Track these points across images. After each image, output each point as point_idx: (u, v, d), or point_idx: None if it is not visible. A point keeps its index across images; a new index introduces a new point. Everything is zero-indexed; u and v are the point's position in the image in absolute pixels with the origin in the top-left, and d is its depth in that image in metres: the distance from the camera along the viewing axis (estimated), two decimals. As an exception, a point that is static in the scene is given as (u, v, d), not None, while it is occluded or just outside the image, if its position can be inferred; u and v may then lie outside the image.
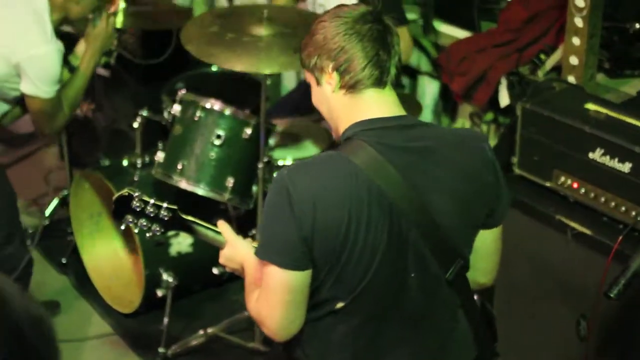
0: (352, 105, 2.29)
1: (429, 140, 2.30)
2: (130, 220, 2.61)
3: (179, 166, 3.91)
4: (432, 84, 4.98)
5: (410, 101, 4.45)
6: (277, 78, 5.85)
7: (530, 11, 4.78)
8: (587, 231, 3.39)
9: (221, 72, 4.74)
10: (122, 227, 2.59)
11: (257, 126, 3.92)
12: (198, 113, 3.94)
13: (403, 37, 4.37)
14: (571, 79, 4.01)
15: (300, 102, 4.65)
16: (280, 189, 2.20)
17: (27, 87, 3.64)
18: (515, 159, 3.74)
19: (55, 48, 3.65)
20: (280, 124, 4.28)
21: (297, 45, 3.60)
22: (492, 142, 4.55)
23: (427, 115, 4.94)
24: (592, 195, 3.42)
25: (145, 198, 2.61)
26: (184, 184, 3.93)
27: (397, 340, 2.36)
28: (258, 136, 3.89)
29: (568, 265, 3.44)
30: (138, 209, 2.60)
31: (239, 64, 3.70)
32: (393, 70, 2.30)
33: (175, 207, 2.61)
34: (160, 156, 4.01)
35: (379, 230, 2.20)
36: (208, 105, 3.95)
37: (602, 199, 3.39)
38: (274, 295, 2.24)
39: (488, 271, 2.57)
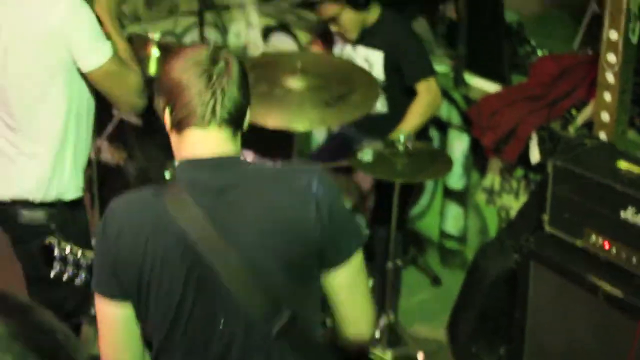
0: (179, 143, 2.30)
1: (238, 178, 2.27)
2: (59, 268, 2.64)
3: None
4: (462, 138, 4.97)
5: (440, 155, 4.44)
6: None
7: (561, 66, 4.79)
8: (618, 292, 3.35)
9: (251, 123, 4.75)
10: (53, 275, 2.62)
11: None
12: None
13: (430, 88, 4.41)
14: (602, 135, 4.00)
15: (333, 155, 4.65)
16: (104, 215, 2.29)
17: (85, 62, 3.34)
18: (546, 217, 3.71)
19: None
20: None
21: (329, 99, 3.65)
22: (523, 198, 4.54)
23: (457, 169, 4.93)
24: (624, 255, 3.39)
25: (64, 244, 2.64)
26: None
27: None
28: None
29: (599, 326, 3.41)
30: (62, 256, 2.64)
31: (271, 119, 3.70)
32: (221, 111, 2.24)
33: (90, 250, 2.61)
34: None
35: (176, 271, 2.21)
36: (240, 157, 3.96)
37: (634, 260, 3.35)
38: (102, 328, 2.29)
39: (355, 321, 2.40)
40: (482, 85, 4.98)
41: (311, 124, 3.82)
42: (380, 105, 4.42)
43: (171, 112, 2.28)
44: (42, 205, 3.48)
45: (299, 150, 4.12)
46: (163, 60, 4.09)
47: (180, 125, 2.27)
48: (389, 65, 4.46)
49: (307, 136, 5.91)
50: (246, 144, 3.99)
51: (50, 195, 3.48)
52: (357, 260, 2.37)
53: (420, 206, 5.37)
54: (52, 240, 2.66)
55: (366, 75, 4.07)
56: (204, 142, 2.26)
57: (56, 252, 2.63)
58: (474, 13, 4.91)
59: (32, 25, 3.30)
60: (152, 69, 4.19)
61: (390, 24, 4.51)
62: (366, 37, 4.51)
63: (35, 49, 3.32)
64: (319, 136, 5.83)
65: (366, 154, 4.09)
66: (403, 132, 4.18)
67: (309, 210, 2.23)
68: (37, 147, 3.46)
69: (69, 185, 3.52)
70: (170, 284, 2.21)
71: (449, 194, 5.11)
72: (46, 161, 3.46)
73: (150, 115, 5.16)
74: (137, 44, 4.42)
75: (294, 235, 2.24)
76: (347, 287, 2.35)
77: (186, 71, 2.24)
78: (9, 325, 1.36)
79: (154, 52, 4.20)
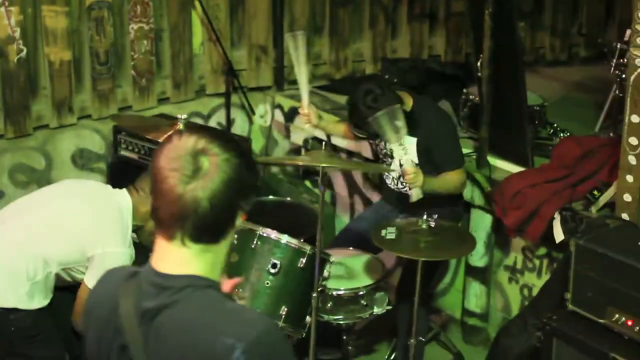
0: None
1: (174, 311, 1.99)
2: None
3: (235, 293, 3.95)
4: (485, 218, 5.01)
5: (463, 234, 4.48)
6: (331, 209, 5.93)
7: (583, 148, 4.84)
8: (642, 370, 3.36)
9: (277, 201, 4.82)
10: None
11: (312, 256, 3.97)
12: (255, 241, 4.01)
13: (458, 176, 4.49)
14: (625, 215, 4.03)
15: (361, 234, 4.69)
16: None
17: (89, 279, 3.68)
18: (569, 295, 3.74)
19: (129, 253, 3.75)
20: (335, 254, 4.33)
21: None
22: (545, 277, 4.57)
23: (479, 249, 4.96)
24: (647, 333, 3.41)
25: None
26: (238, 311, 3.95)
27: None
28: (313, 265, 3.94)
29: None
30: None
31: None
32: (188, 227, 1.98)
33: None
34: (215, 283, 4.06)
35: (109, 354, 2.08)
36: (264, 234, 4.02)
37: (657, 338, 3.37)
38: None
39: None
40: (505, 166, 5.03)
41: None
42: (410, 163, 4.46)
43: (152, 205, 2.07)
44: None
45: (323, 227, 4.15)
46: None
47: (155, 225, 2.07)
48: (422, 150, 4.54)
49: (331, 217, 5.96)
50: (269, 223, 4.10)
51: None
52: None
53: (443, 283, 5.39)
54: None
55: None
56: (167, 256, 2.04)
57: None
58: (496, 96, 4.98)
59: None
60: None
61: (424, 112, 4.59)
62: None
63: (73, 235, 3.71)
64: (343, 217, 5.89)
65: (390, 232, 4.13)
66: (418, 172, 4.28)
67: None
68: None
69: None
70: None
71: (471, 271, 5.13)
72: None
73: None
74: (166, 124, 4.52)
75: None
76: None
77: (165, 174, 1.99)
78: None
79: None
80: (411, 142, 4.57)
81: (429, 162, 4.52)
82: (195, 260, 2.03)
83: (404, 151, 4.57)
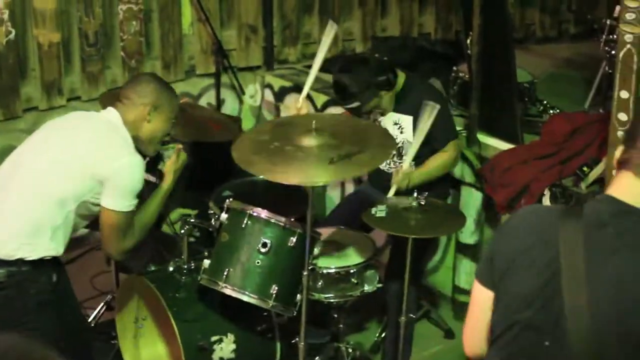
0: (614, 178, 2.42)
1: (628, 228, 2.30)
2: None
3: (225, 273, 3.96)
4: (475, 195, 5.02)
5: (453, 211, 4.49)
6: (321, 188, 5.93)
7: (573, 125, 4.85)
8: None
9: (268, 181, 4.81)
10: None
11: (302, 234, 3.97)
12: (245, 221, 4.01)
13: (451, 149, 4.51)
14: (614, 192, 4.04)
15: (351, 213, 4.69)
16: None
17: (107, 201, 3.69)
18: (558, 271, 3.74)
19: (138, 159, 3.76)
20: (324, 233, 4.33)
21: (333, 157, 3.70)
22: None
23: (470, 226, 4.97)
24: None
25: None
26: (229, 291, 3.96)
27: None
28: (303, 244, 3.94)
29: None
30: None
31: (274, 174, 3.74)
32: None
33: None
34: (206, 263, 4.07)
35: (533, 281, 2.34)
36: (255, 214, 4.02)
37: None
38: (472, 307, 2.60)
39: None
40: (495, 143, 5.04)
41: (307, 179, 3.81)
42: (407, 165, 4.49)
43: (622, 150, 2.37)
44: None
45: (314, 206, 4.15)
46: (178, 122, 4.19)
47: (620, 165, 2.37)
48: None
49: (322, 195, 5.97)
50: (260, 202, 4.11)
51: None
52: None
53: (433, 261, 5.40)
54: None
55: (383, 135, 4.13)
56: (629, 189, 2.32)
57: None
58: (486, 73, 4.98)
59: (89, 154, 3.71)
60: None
61: (417, 89, 4.60)
62: (394, 104, 4.62)
63: (79, 165, 3.69)
64: (334, 196, 5.90)
65: (380, 210, 4.14)
66: (408, 177, 4.38)
67: None
68: None
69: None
70: (523, 288, 2.32)
71: (462, 249, 5.15)
72: None
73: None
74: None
75: (637, 309, 2.20)
76: None
77: None
78: None
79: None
80: (407, 121, 4.57)
81: (425, 140, 4.53)
82: None
83: (400, 130, 4.59)
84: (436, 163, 4.57)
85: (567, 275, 2.25)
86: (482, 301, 2.48)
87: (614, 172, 3.97)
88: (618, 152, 2.39)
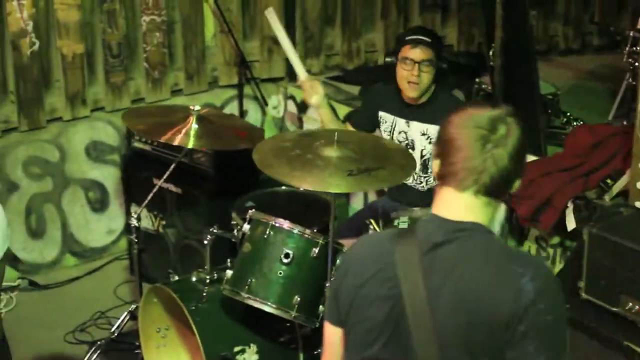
0: (436, 195, 2.35)
1: (462, 246, 2.26)
2: None
3: (247, 283, 3.97)
4: (499, 208, 4.99)
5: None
6: (344, 198, 5.93)
7: (596, 137, 4.83)
8: (655, 358, 3.36)
9: (290, 192, 4.83)
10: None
11: (325, 245, 3.97)
12: (267, 231, 4.01)
13: None
14: (638, 204, 4.02)
15: (363, 228, 4.69)
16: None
17: None
18: (582, 284, 3.74)
19: None
20: (347, 244, 4.33)
21: (354, 170, 3.71)
22: (559, 265, 4.56)
23: (493, 238, 4.95)
24: (661, 321, 3.40)
25: None
26: (251, 301, 3.97)
27: None
28: (326, 255, 3.94)
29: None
30: None
31: (291, 178, 3.78)
32: (484, 180, 2.23)
33: None
34: (229, 273, 4.07)
35: (378, 313, 2.33)
36: (277, 224, 4.02)
37: (671, 326, 3.36)
38: (325, 347, 2.51)
39: None
40: (518, 155, 5.02)
41: (325, 186, 3.84)
42: (434, 179, 4.50)
43: (439, 165, 2.31)
44: None
45: (336, 217, 4.15)
46: (202, 132, 4.21)
47: (441, 180, 2.30)
48: None
49: (344, 207, 5.97)
50: (282, 213, 4.12)
51: None
52: None
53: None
54: None
55: (404, 155, 4.14)
56: (453, 204, 2.27)
57: None
58: (508, 85, 4.97)
59: None
60: (191, 141, 4.30)
61: (446, 100, 4.59)
62: (421, 114, 4.60)
63: None
64: (357, 208, 5.89)
65: (402, 222, 4.13)
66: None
67: (505, 302, 2.14)
68: None
69: None
70: (368, 322, 2.30)
71: (485, 262, 5.11)
72: None
73: (190, 184, 5.28)
74: (178, 115, 4.53)
75: (481, 320, 2.15)
76: None
77: (463, 131, 2.24)
78: None
79: (194, 125, 4.33)
80: (435, 131, 4.56)
81: None
82: (479, 212, 2.25)
83: (428, 140, 4.58)
84: None
85: (409, 303, 2.22)
86: (333, 341, 2.46)
87: (638, 184, 3.98)
88: (435, 166, 2.33)
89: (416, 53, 4.50)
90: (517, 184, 2.30)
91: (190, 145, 4.33)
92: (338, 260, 3.70)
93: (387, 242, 2.33)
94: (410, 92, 4.56)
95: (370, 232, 4.13)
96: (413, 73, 4.50)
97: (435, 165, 2.33)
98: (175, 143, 4.35)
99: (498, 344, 2.15)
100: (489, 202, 2.26)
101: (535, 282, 2.14)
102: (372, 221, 4.12)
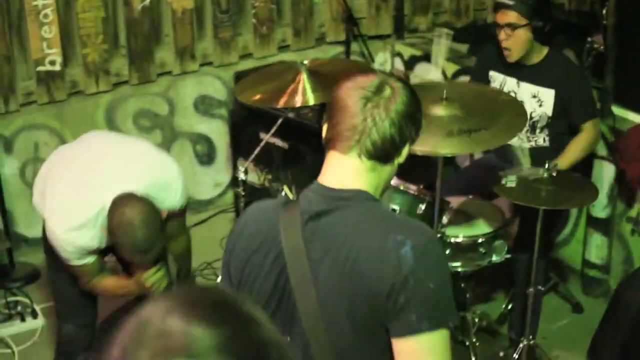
0: (324, 162, 2.32)
1: (342, 214, 2.25)
2: None
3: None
4: (608, 169, 4.91)
5: (585, 183, 4.39)
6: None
7: None
8: None
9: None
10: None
11: (431, 203, 3.96)
12: (374, 187, 4.02)
13: (592, 128, 4.44)
14: None
15: (474, 181, 4.68)
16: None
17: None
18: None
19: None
20: (454, 202, 4.31)
21: (468, 128, 3.68)
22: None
23: (602, 200, 4.87)
24: None
25: None
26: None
27: None
28: (432, 212, 3.94)
29: None
30: None
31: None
32: (366, 142, 2.22)
33: None
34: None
35: (265, 283, 2.32)
36: (384, 180, 4.02)
37: None
38: None
39: None
40: (630, 117, 4.92)
41: (454, 149, 3.81)
42: (542, 140, 4.45)
43: (326, 128, 2.29)
44: None
45: (442, 173, 4.13)
46: (315, 86, 4.15)
47: (327, 144, 2.28)
48: (558, 103, 4.47)
49: (449, 161, 5.93)
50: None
51: None
52: (426, 343, 2.14)
53: (564, 234, 5.31)
54: None
55: (516, 112, 4.07)
56: (337, 170, 2.26)
57: None
58: (622, 44, 4.86)
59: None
60: (310, 98, 4.16)
61: (559, 63, 4.52)
62: (533, 75, 4.52)
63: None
64: (462, 162, 5.85)
65: (510, 181, 4.09)
66: (559, 167, 4.19)
67: (385, 272, 2.11)
68: None
69: None
70: (257, 293, 2.27)
71: (593, 222, 5.05)
72: None
73: (296, 139, 5.31)
74: (286, 70, 4.53)
75: (362, 290, 2.14)
76: None
77: (348, 92, 2.23)
78: (221, 335, 1.25)
79: (306, 81, 4.23)
80: (548, 95, 4.49)
81: (563, 115, 4.47)
82: (363, 176, 2.24)
83: (539, 103, 4.51)
84: (578, 147, 4.49)
85: (293, 274, 2.19)
86: None
87: None
88: (323, 131, 2.29)
89: (500, 17, 4.45)
90: (405, 150, 2.27)
91: (311, 103, 4.14)
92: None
93: (272, 212, 2.29)
94: (507, 58, 4.51)
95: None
96: (501, 37, 4.45)
97: (323, 130, 2.31)
98: (297, 105, 4.14)
99: (380, 313, 2.13)
100: (374, 166, 2.24)
101: (414, 250, 2.11)
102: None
